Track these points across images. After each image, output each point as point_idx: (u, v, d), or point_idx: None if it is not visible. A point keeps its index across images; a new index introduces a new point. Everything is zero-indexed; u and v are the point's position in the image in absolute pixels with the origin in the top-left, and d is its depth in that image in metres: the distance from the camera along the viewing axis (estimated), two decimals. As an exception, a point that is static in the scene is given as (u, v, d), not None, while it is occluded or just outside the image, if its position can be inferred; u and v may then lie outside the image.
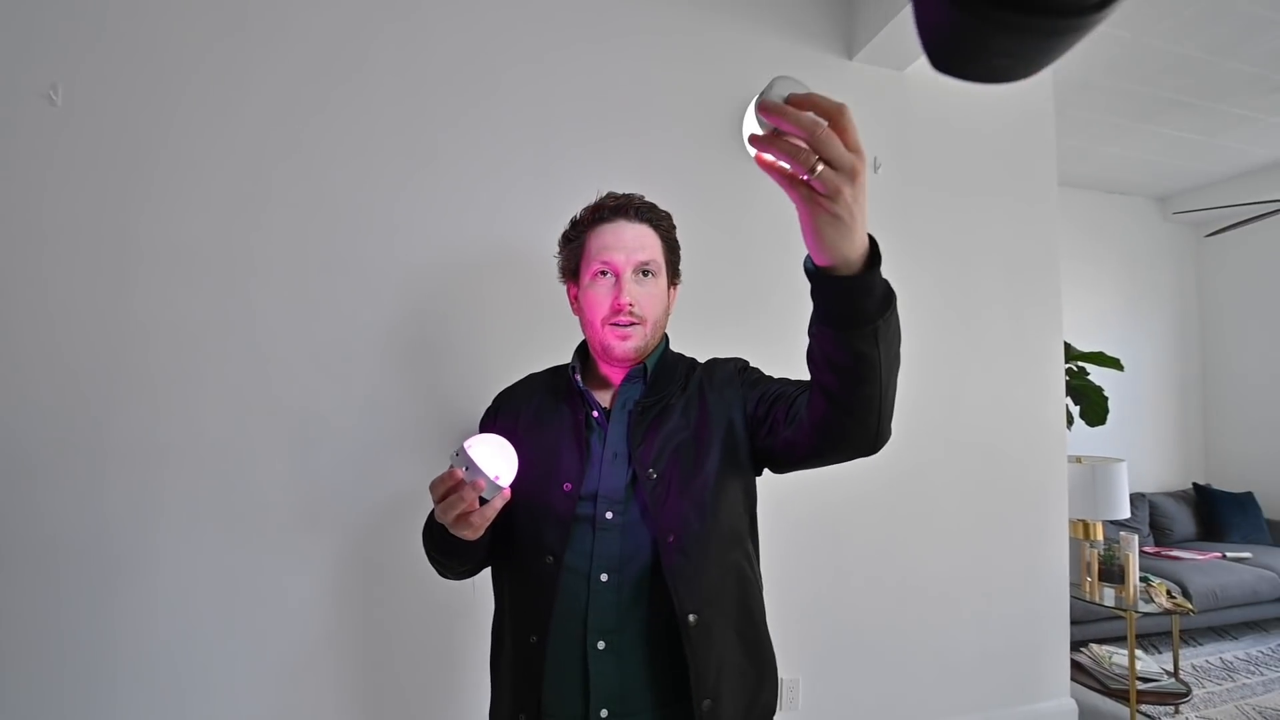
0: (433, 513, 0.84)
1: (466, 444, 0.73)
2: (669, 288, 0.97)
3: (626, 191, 0.97)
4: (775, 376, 0.96)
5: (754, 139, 0.53)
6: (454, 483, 0.72)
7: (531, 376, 1.06)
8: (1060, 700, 2.28)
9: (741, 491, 0.90)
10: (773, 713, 0.89)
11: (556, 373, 1.03)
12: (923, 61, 2.20)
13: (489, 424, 1.01)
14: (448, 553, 0.86)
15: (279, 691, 1.56)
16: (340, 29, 1.70)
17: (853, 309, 0.60)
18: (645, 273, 0.90)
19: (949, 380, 2.18)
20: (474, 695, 1.66)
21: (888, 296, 0.61)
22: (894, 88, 2.22)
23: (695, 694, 0.79)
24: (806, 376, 0.92)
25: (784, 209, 1.96)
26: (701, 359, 1.03)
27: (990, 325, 2.26)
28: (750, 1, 2.08)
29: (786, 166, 0.52)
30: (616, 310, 0.88)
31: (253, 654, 1.55)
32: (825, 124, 0.50)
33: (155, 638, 1.50)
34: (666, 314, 0.96)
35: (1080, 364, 3.05)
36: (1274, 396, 4.03)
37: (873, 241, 0.59)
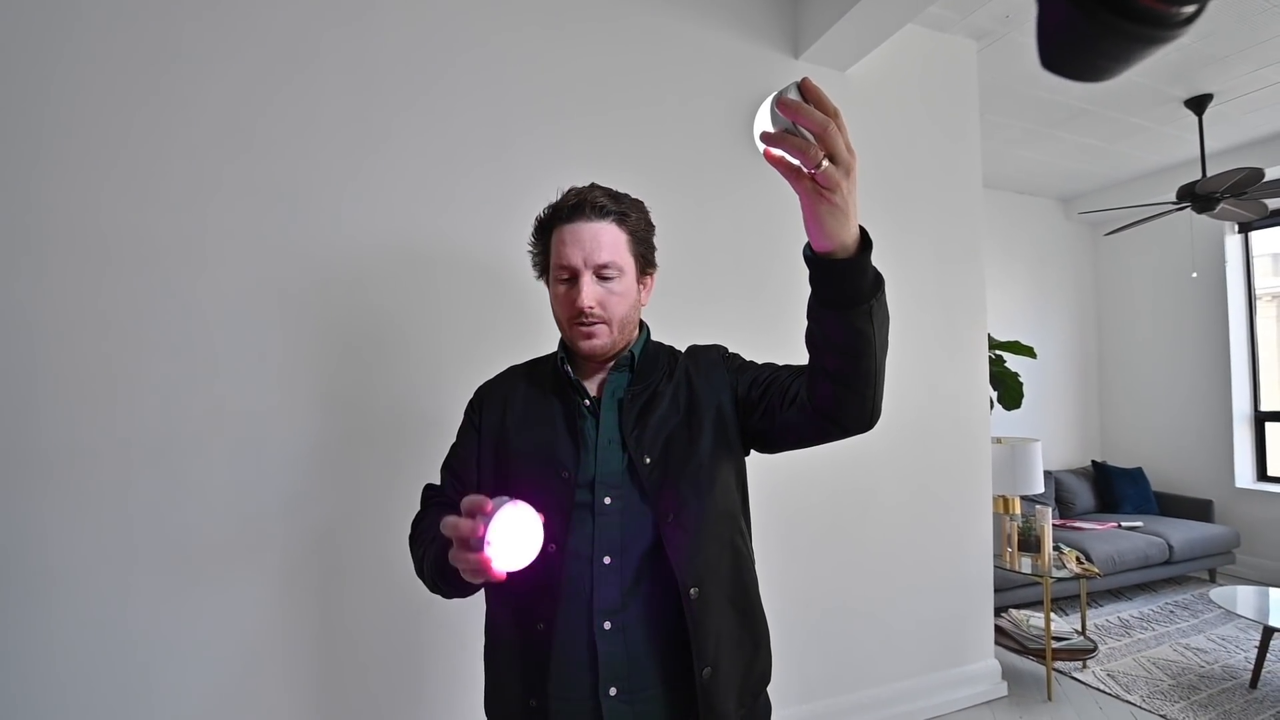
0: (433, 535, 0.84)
1: (497, 516, 0.65)
2: (640, 279, 0.95)
3: (581, 185, 0.94)
4: (759, 362, 0.99)
5: (766, 136, 0.58)
6: (472, 541, 0.66)
7: (513, 369, 1.05)
8: (986, 662, 2.46)
9: (733, 471, 0.93)
10: (768, 680, 0.94)
11: (540, 364, 1.03)
12: (863, 63, 2.32)
13: (474, 417, 1.00)
14: (448, 583, 0.83)
15: (224, 701, 1.49)
16: (295, 20, 1.62)
17: (850, 289, 0.67)
18: (605, 276, 0.89)
19: (890, 367, 2.30)
20: (444, 689, 1.64)
21: (878, 279, 0.69)
22: (836, 87, 2.31)
23: (696, 663, 0.82)
24: (785, 360, 0.97)
25: (763, 200, 2.02)
26: (683, 344, 1.06)
27: (925, 316, 2.40)
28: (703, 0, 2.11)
29: (795, 162, 0.58)
30: (578, 312, 0.89)
31: (198, 663, 1.47)
32: (833, 123, 0.56)
33: (92, 649, 1.40)
34: (636, 308, 0.95)
35: (999, 352, 3.28)
36: (1160, 381, 4.46)
37: (863, 229, 0.66)
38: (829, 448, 2.12)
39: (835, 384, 0.75)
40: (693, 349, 1.03)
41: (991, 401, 3.24)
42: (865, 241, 0.66)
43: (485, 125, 1.80)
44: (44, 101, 1.42)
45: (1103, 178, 4.32)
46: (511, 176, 1.80)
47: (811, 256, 0.67)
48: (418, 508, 0.99)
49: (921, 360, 2.38)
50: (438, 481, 1.01)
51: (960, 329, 2.49)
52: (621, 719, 0.82)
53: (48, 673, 1.37)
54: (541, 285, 0.99)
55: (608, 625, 0.84)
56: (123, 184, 1.47)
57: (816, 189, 0.60)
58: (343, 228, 1.64)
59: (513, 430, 0.94)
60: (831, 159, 0.58)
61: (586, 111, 1.93)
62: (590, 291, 0.88)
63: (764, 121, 0.58)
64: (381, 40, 1.71)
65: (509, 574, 0.80)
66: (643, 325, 1.01)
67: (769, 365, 0.97)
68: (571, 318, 0.90)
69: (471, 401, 1.03)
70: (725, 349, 1.04)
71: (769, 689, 0.95)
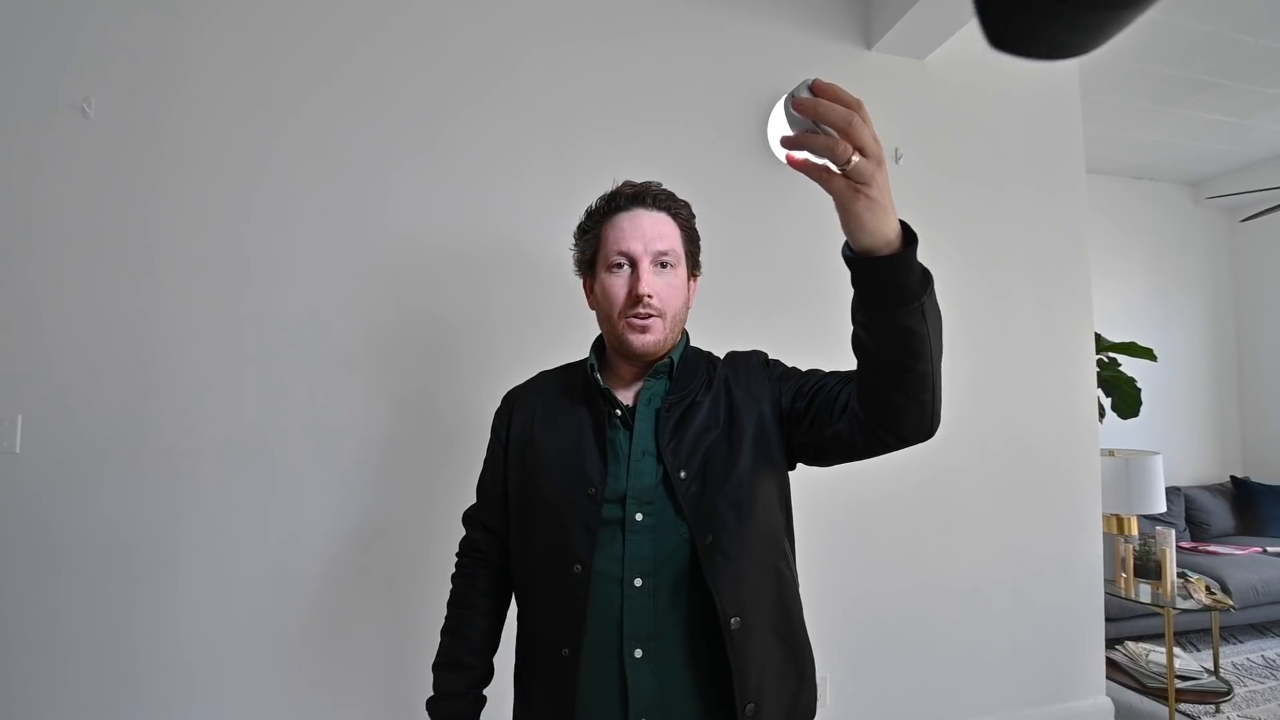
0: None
1: None
2: (689, 280, 0.92)
3: (643, 180, 0.93)
4: (803, 369, 0.92)
5: (786, 140, 0.55)
6: None
7: (543, 374, 1.02)
8: (1096, 699, 2.22)
9: (776, 488, 0.87)
10: (813, 713, 0.88)
11: (571, 370, 0.99)
12: (943, 49, 2.17)
13: (499, 428, 0.98)
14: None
15: (298, 692, 1.59)
16: (356, 32, 1.72)
17: (898, 287, 0.62)
18: (664, 263, 0.87)
19: (977, 373, 2.14)
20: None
21: (926, 274, 0.63)
22: (913, 77, 2.19)
23: (739, 699, 0.77)
24: (830, 367, 0.91)
25: (806, 202, 1.95)
26: (721, 352, 1.00)
27: (1019, 316, 2.21)
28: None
29: (822, 162, 0.55)
30: (635, 301, 0.84)
31: (274, 654, 1.57)
32: (857, 114, 0.53)
33: (179, 643, 1.53)
34: (686, 307, 0.92)
35: (1111, 355, 2.97)
36: (1315, 385, 3.90)
37: (904, 223, 0.61)
38: (905, 460, 1.99)
39: (890, 391, 0.70)
40: (732, 356, 0.97)
41: (1103, 409, 2.95)
42: (909, 235, 0.61)
43: (547, 132, 1.83)
44: (161, 139, 1.58)
45: (1236, 157, 3.84)
46: (571, 183, 1.81)
47: (853, 257, 0.62)
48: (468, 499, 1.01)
49: (1016, 364, 2.20)
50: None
51: (1062, 329, 2.27)
52: None
53: (138, 663, 1.51)
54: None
55: (639, 654, 0.79)
56: (225, 209, 1.61)
57: (851, 186, 0.56)
58: (415, 237, 1.72)
59: (540, 441, 0.91)
60: (861, 152, 0.54)
61: (649, 120, 1.92)
62: (651, 280, 0.85)
63: (780, 126, 0.55)
64: (445, 53, 1.78)
65: (537, 594, 0.79)
66: (684, 333, 0.96)
67: (814, 372, 0.90)
68: (624, 309, 0.86)
69: (499, 410, 1.00)
70: (766, 355, 0.97)
71: None
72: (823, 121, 0.53)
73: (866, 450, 0.78)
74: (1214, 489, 3.88)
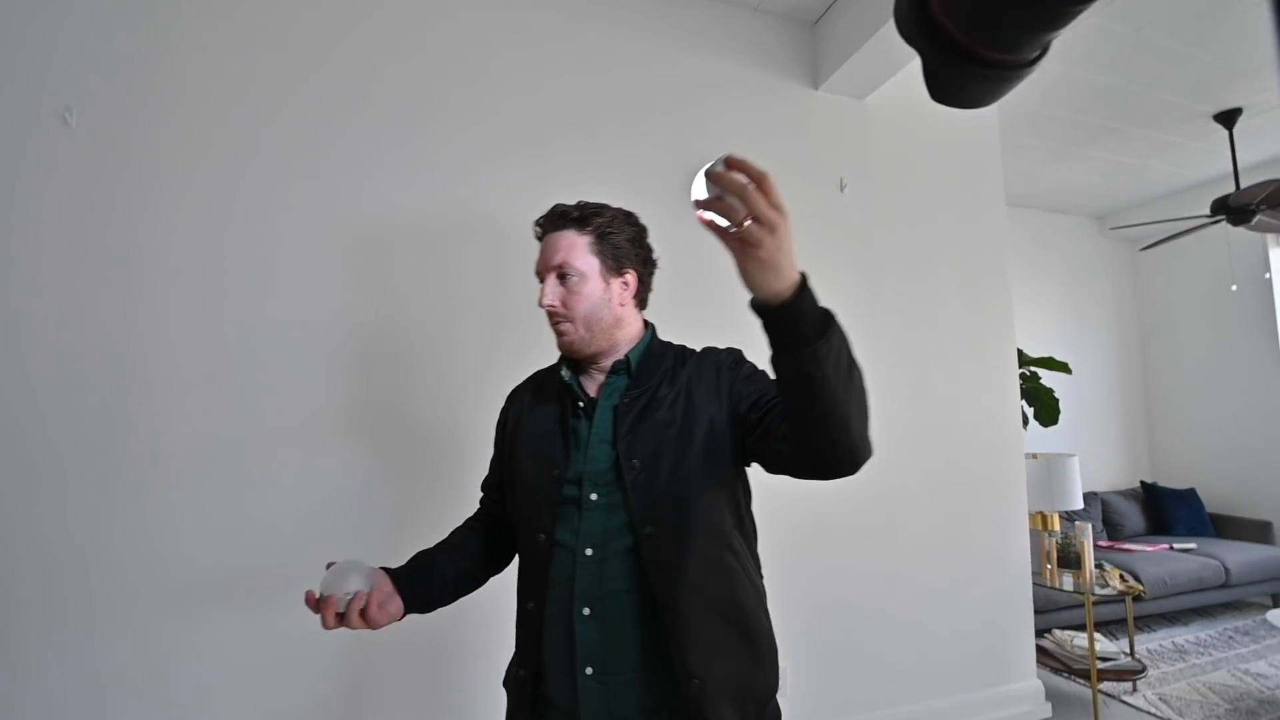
0: None
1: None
2: (611, 279, 0.99)
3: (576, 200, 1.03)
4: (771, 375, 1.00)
5: (697, 202, 0.65)
6: (313, 607, 0.89)
7: (536, 373, 1.15)
8: (1028, 681, 2.43)
9: (723, 487, 0.93)
10: (773, 690, 0.95)
11: (553, 368, 1.10)
12: (881, 91, 2.42)
13: (502, 418, 1.12)
14: None
15: (283, 684, 1.61)
16: (333, 40, 1.81)
17: (791, 334, 0.69)
18: (564, 275, 0.97)
19: (915, 385, 2.35)
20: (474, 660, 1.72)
21: (825, 323, 0.70)
22: (856, 115, 2.42)
23: (681, 676, 0.85)
24: None
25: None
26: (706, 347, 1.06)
27: (950, 333, 2.44)
28: (725, 35, 2.25)
29: (723, 223, 0.64)
30: (546, 311, 0.99)
31: (249, 651, 1.59)
32: (753, 186, 0.62)
33: (150, 651, 1.54)
34: (607, 307, 0.98)
35: (1032, 369, 3.27)
36: (1210, 398, 4.34)
37: (804, 277, 0.69)
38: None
39: (800, 427, 0.77)
40: (704, 353, 1.04)
41: (1027, 418, 3.23)
42: (803, 289, 0.69)
43: (527, 145, 1.95)
44: (142, 147, 1.62)
45: (1136, 194, 4.30)
46: (545, 189, 1.93)
47: (754, 306, 0.71)
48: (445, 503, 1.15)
49: (949, 377, 2.42)
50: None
51: (988, 345, 2.51)
52: (595, 697, 0.89)
53: (114, 666, 1.51)
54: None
55: (586, 611, 0.90)
56: (205, 215, 1.65)
57: (743, 245, 0.65)
58: (392, 241, 1.80)
59: (523, 430, 1.04)
60: (755, 219, 0.63)
61: (620, 134, 2.07)
62: (550, 291, 0.97)
63: (698, 190, 0.65)
64: (428, 66, 1.88)
65: (521, 558, 0.99)
66: (648, 326, 1.05)
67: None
68: (549, 318, 1.00)
69: (504, 406, 1.14)
70: (740, 355, 1.03)
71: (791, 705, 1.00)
72: (725, 190, 0.62)
73: (798, 475, 0.85)
74: (1126, 493, 4.25)
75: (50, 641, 1.46)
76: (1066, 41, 2.54)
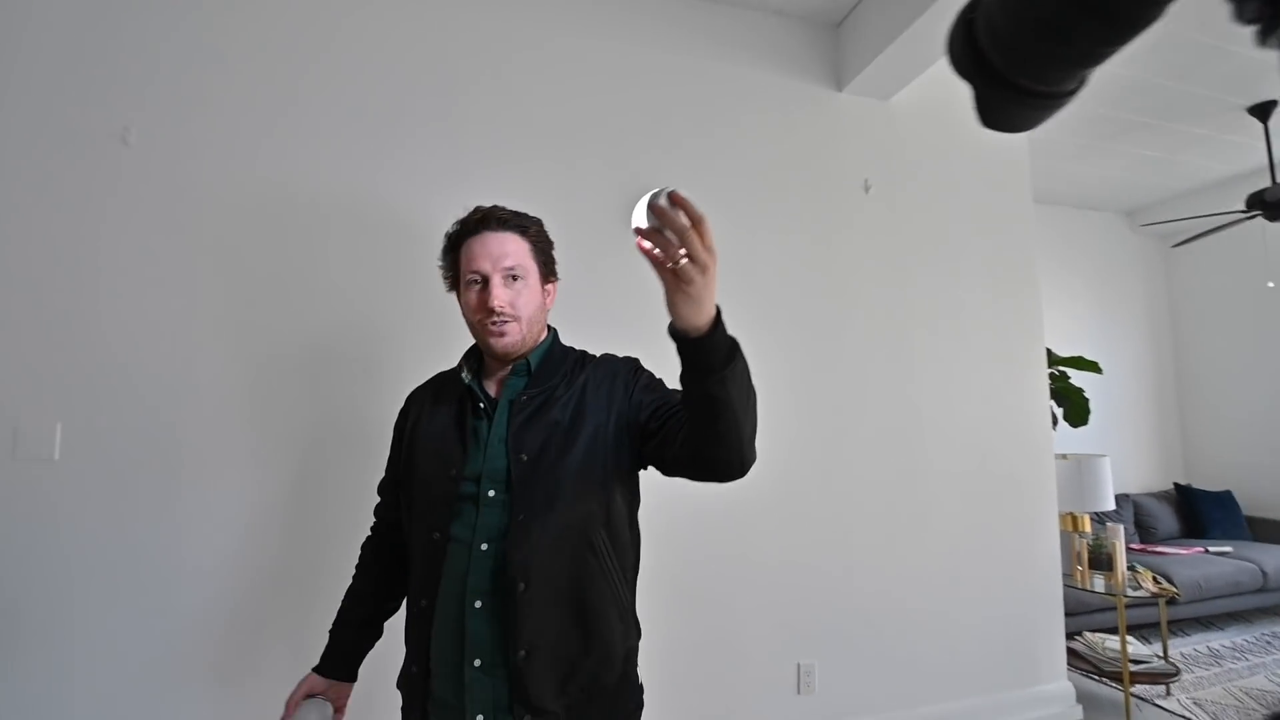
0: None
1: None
2: (543, 285, 1.05)
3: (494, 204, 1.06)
4: (669, 387, 1.02)
5: (639, 231, 0.69)
6: None
7: (437, 375, 1.17)
8: (1059, 683, 2.40)
9: (598, 485, 0.96)
10: (606, 690, 0.95)
11: (456, 370, 1.12)
12: (906, 92, 2.42)
13: (402, 420, 1.14)
14: None
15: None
16: (379, 53, 1.87)
17: (703, 361, 0.76)
18: (513, 276, 1.00)
19: (942, 384, 2.35)
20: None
21: (732, 353, 0.77)
22: (880, 116, 2.42)
23: (512, 647, 0.89)
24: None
25: (787, 220, 2.14)
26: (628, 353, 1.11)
27: (979, 333, 2.43)
28: (747, 39, 2.27)
29: (659, 255, 0.69)
30: (489, 312, 0.98)
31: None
32: (691, 228, 0.67)
33: (213, 646, 1.60)
34: (543, 310, 1.05)
35: (1061, 368, 3.23)
36: (1246, 398, 4.24)
37: (718, 311, 0.76)
38: (883, 461, 2.17)
39: (700, 438, 0.83)
40: (602, 359, 1.09)
41: (1056, 418, 3.19)
42: (717, 323, 0.75)
43: (555, 161, 2.00)
44: (196, 164, 1.69)
45: (1167, 189, 4.22)
46: (576, 208, 1.97)
47: (671, 333, 0.77)
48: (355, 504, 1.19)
49: (977, 376, 2.41)
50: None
51: (1016, 345, 2.50)
52: (482, 688, 0.90)
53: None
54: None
55: (478, 604, 0.92)
56: (258, 227, 1.72)
57: (675, 280, 0.70)
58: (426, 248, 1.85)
59: (420, 432, 1.06)
60: (690, 258, 0.69)
61: (643, 140, 2.10)
62: (501, 292, 0.98)
63: (639, 216, 0.69)
64: (457, 70, 1.93)
65: (413, 557, 1.02)
66: (550, 329, 1.09)
67: (674, 392, 0.99)
68: (483, 319, 0.99)
69: (403, 407, 1.16)
70: (637, 364, 1.08)
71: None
72: (666, 227, 0.68)
73: (695, 478, 0.91)
74: (1159, 495, 4.17)
75: (110, 639, 1.54)
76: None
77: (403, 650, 1.01)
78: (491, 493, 0.95)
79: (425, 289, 1.84)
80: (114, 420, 1.58)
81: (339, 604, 1.14)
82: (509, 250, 1.01)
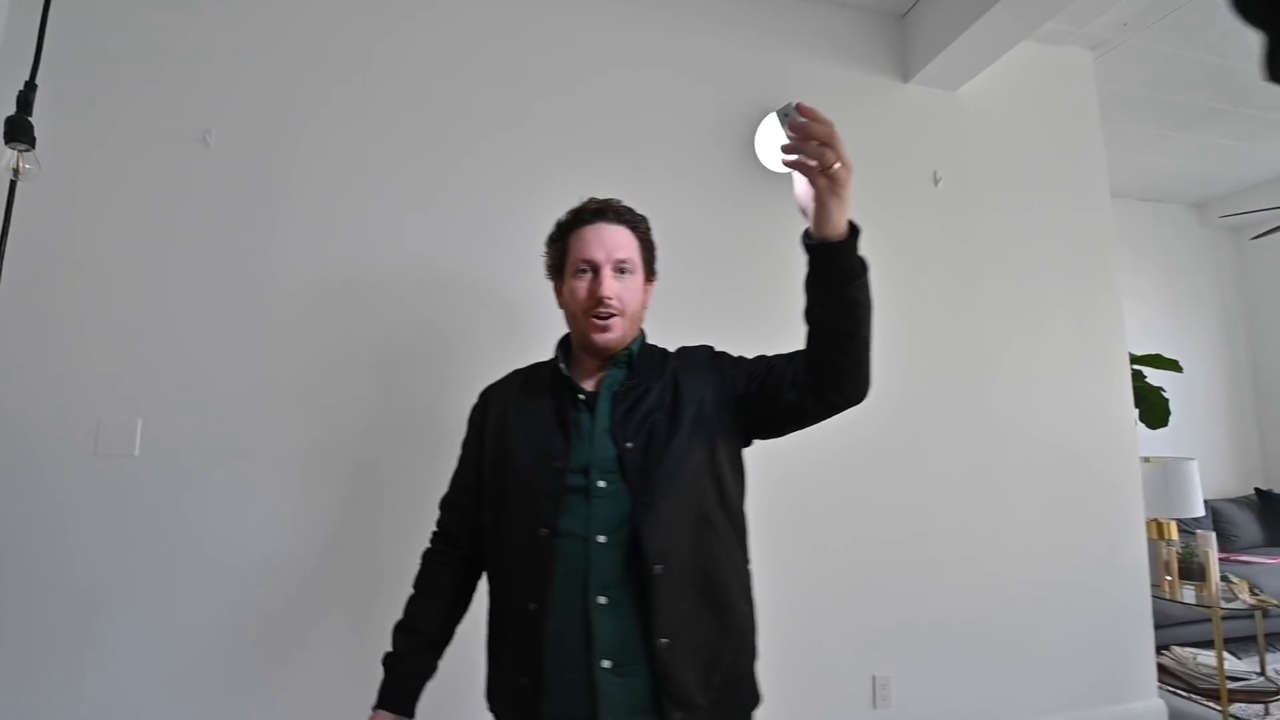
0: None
1: None
2: (645, 284, 1.05)
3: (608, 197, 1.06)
4: (749, 358, 1.05)
5: (786, 148, 0.75)
6: None
7: (515, 372, 1.14)
8: (1149, 701, 2.27)
9: (708, 463, 0.96)
10: (745, 677, 0.95)
11: (539, 366, 1.11)
12: (974, 81, 2.33)
13: (477, 419, 1.10)
14: None
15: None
16: (459, 69, 1.87)
17: (848, 267, 0.79)
18: (622, 270, 0.99)
19: (1020, 385, 2.25)
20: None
21: (864, 258, 0.81)
22: (949, 107, 2.34)
23: (655, 633, 0.86)
24: (783, 348, 1.03)
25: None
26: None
27: (1055, 329, 2.33)
28: (812, 31, 2.22)
29: (814, 164, 0.73)
30: (597, 302, 0.97)
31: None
32: (836, 133, 0.73)
33: (289, 635, 1.60)
34: (643, 308, 1.05)
35: (1138, 367, 3.07)
36: (1330, 398, 3.99)
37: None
38: (957, 461, 2.07)
39: (838, 355, 0.85)
40: (682, 350, 1.09)
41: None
42: (854, 226, 0.79)
43: (620, 164, 1.97)
44: (276, 168, 1.71)
45: (1240, 179, 4.01)
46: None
47: (813, 244, 0.80)
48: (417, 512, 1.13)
49: (1056, 375, 2.30)
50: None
51: (1096, 342, 2.38)
52: (613, 690, 0.86)
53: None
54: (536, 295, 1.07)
55: (602, 600, 0.88)
56: (335, 230, 1.74)
57: (831, 185, 0.74)
58: (490, 250, 1.84)
59: (512, 427, 1.02)
60: (842, 161, 0.73)
61: (709, 137, 2.07)
62: (611, 283, 0.97)
63: (775, 137, 0.74)
64: (468, 88, 1.93)
65: (507, 559, 0.97)
66: (640, 330, 1.08)
67: (761, 358, 1.03)
68: (589, 309, 0.98)
69: (476, 405, 1.12)
70: (712, 349, 1.09)
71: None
72: (812, 136, 0.72)
73: (816, 413, 0.92)
74: (1239, 501, 3.95)
75: (191, 630, 1.55)
76: (1171, 21, 2.40)
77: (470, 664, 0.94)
78: (602, 483, 0.93)
79: (498, 289, 1.84)
80: (192, 417, 1.61)
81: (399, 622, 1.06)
82: (621, 242, 1.00)
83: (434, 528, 1.12)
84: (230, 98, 1.71)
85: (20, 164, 1.10)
